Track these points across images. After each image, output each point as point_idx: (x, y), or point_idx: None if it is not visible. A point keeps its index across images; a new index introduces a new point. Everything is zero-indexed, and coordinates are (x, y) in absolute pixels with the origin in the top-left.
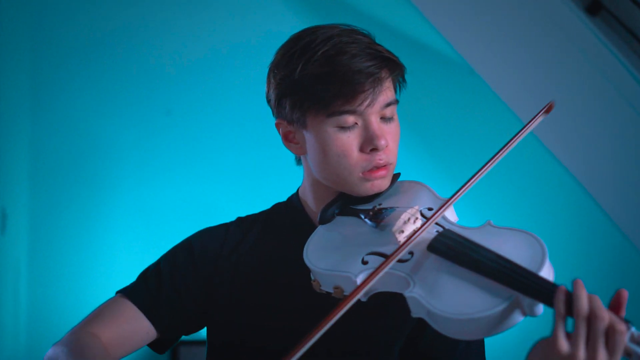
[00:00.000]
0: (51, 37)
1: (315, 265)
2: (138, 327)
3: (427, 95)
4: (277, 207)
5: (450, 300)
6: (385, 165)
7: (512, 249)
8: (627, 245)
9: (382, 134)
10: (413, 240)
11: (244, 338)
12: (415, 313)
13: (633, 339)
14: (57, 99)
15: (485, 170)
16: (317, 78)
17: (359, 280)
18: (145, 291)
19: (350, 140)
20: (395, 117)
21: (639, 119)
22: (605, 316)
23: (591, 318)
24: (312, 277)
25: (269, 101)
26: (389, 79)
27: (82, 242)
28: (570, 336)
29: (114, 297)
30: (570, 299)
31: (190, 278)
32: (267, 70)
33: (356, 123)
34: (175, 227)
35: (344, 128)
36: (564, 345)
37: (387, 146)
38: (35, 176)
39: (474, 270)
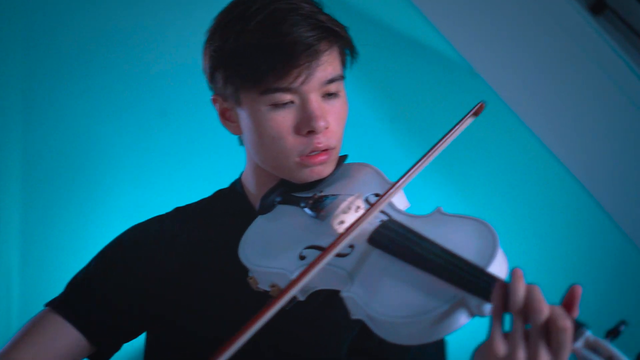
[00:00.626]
0: (44, 38)
1: (251, 262)
2: (70, 342)
3: (426, 94)
4: (219, 193)
5: (389, 302)
6: (326, 150)
7: (461, 239)
8: (628, 245)
9: (322, 114)
10: (351, 232)
11: (181, 337)
12: (355, 314)
13: (588, 344)
14: (50, 100)
15: (427, 157)
16: (250, 50)
17: (294, 277)
18: (75, 301)
19: (285, 121)
20: (342, 94)
21: None
22: (544, 309)
23: (528, 312)
24: (250, 274)
25: (204, 74)
26: (331, 52)
27: (75, 244)
28: (507, 336)
29: (41, 311)
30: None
31: (122, 278)
32: None
33: (292, 101)
34: None
35: (278, 106)
36: (499, 346)
37: (327, 128)
38: (28, 178)
39: (416, 266)
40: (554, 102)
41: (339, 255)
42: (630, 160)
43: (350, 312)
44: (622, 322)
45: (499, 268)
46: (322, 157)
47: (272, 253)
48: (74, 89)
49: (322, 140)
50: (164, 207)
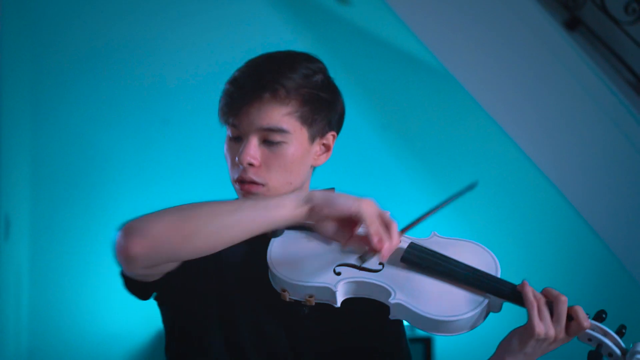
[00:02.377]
0: (51, 48)
1: (288, 278)
2: None
3: (416, 105)
4: None
5: (432, 305)
6: (251, 182)
7: (470, 257)
8: (612, 260)
9: (253, 153)
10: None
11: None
12: (395, 316)
13: (592, 326)
14: (57, 109)
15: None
16: (224, 90)
17: (339, 288)
18: None
19: (232, 149)
20: (289, 147)
21: (614, 128)
22: (565, 303)
23: (555, 302)
24: (281, 287)
25: None
26: (281, 106)
27: (81, 247)
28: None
29: None
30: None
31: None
32: None
33: (240, 137)
34: None
35: (231, 138)
36: (541, 327)
37: (252, 165)
38: (37, 184)
39: (446, 279)
40: (531, 110)
41: (372, 271)
42: (601, 163)
43: (392, 314)
44: (603, 312)
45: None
46: (250, 187)
47: (308, 270)
48: (80, 99)
49: (248, 174)
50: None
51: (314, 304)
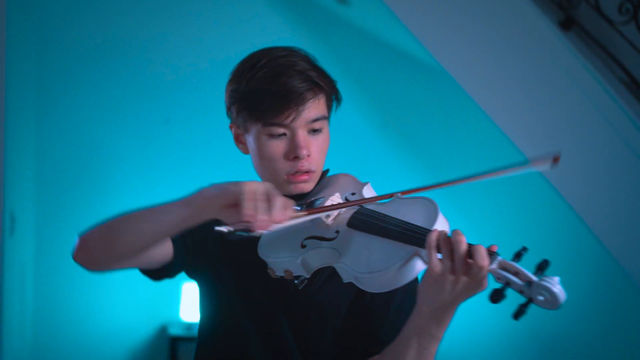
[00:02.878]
0: (55, 49)
1: (267, 257)
2: (165, 246)
3: (414, 104)
4: None
5: (367, 263)
6: (307, 172)
7: (413, 213)
8: (609, 260)
9: (306, 144)
10: (328, 209)
11: (221, 292)
12: (346, 278)
13: (500, 265)
14: (61, 108)
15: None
16: (256, 93)
17: (299, 261)
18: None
19: (278, 148)
20: (325, 130)
21: (608, 126)
22: (465, 243)
23: (454, 246)
24: (268, 266)
25: (225, 106)
26: (316, 99)
27: None
28: (441, 260)
29: None
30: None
31: (204, 234)
32: None
33: (285, 133)
34: None
35: (274, 136)
36: (437, 265)
37: (309, 155)
38: (41, 181)
39: (383, 236)
40: (527, 108)
41: (327, 239)
42: (596, 160)
43: (342, 277)
44: (524, 248)
45: (442, 227)
46: (304, 177)
47: (281, 247)
48: (83, 98)
49: (304, 165)
50: None
51: (292, 277)
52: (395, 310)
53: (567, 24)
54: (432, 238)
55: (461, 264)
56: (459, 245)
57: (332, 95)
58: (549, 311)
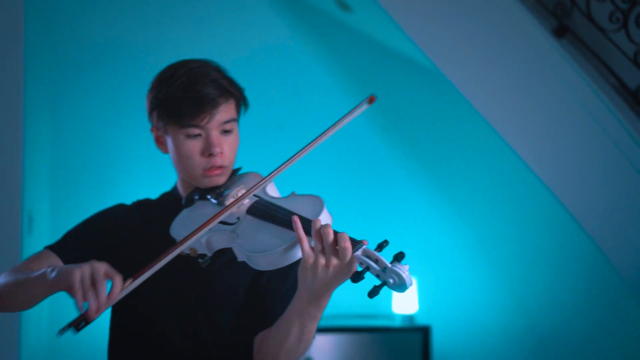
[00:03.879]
0: (69, 54)
1: (176, 235)
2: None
3: (413, 108)
4: (165, 194)
5: (257, 244)
6: (220, 167)
7: (303, 207)
8: (603, 261)
9: (219, 143)
10: (232, 205)
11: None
12: (240, 257)
13: (364, 253)
14: (75, 113)
15: (299, 155)
16: (174, 99)
17: (204, 240)
18: (64, 244)
19: (195, 147)
20: (235, 131)
21: (599, 128)
22: (331, 233)
23: (324, 235)
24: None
25: (146, 111)
26: (228, 104)
27: None
28: (312, 250)
29: (41, 250)
30: (309, 226)
31: (96, 237)
32: (261, 80)
33: (200, 134)
34: None
35: (190, 137)
36: (311, 255)
37: (221, 153)
38: (57, 182)
39: (273, 223)
40: (523, 112)
41: (228, 223)
42: (588, 159)
43: (238, 257)
44: (385, 241)
45: (325, 220)
46: (217, 172)
47: (190, 228)
48: (94, 102)
49: (217, 161)
50: None
51: (197, 255)
52: (286, 291)
53: (560, 31)
54: (298, 224)
55: (330, 248)
56: (327, 233)
57: (241, 101)
58: (545, 308)
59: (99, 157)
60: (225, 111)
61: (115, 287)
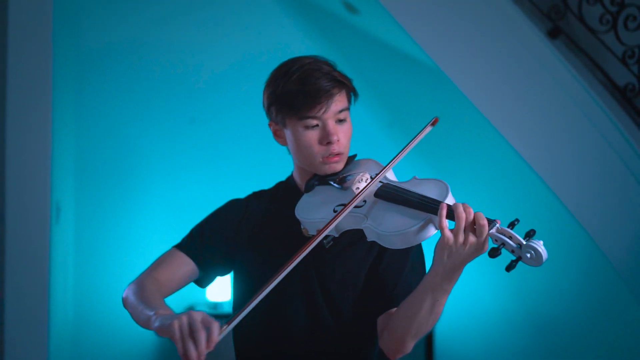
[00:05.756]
0: (93, 55)
1: (303, 218)
2: (187, 268)
3: (418, 104)
4: (280, 184)
5: (391, 225)
6: (337, 154)
7: (429, 189)
8: (600, 257)
9: (335, 132)
10: (362, 192)
11: (257, 272)
12: (370, 237)
13: (498, 230)
14: (98, 111)
15: (400, 155)
16: (292, 93)
17: (332, 223)
18: (191, 243)
19: (313, 136)
20: (348, 120)
21: (590, 126)
22: (471, 212)
23: (463, 215)
24: (302, 226)
25: (264, 108)
26: (340, 94)
27: (120, 230)
28: (452, 231)
29: (169, 250)
30: (451, 209)
31: (223, 232)
32: None
33: (317, 125)
34: (197, 216)
35: (309, 127)
36: (449, 235)
37: (338, 141)
38: (81, 176)
39: (405, 205)
40: (519, 110)
41: (357, 206)
42: (582, 155)
43: (367, 237)
44: (517, 220)
45: (452, 203)
46: (336, 159)
47: (316, 211)
48: (117, 101)
49: (335, 148)
50: (191, 199)
51: (308, 235)
52: (407, 272)
53: (554, 33)
54: (444, 207)
55: (468, 227)
56: (469, 212)
57: (351, 91)
58: (543, 296)
59: (121, 152)
60: (339, 101)
61: (212, 333)
